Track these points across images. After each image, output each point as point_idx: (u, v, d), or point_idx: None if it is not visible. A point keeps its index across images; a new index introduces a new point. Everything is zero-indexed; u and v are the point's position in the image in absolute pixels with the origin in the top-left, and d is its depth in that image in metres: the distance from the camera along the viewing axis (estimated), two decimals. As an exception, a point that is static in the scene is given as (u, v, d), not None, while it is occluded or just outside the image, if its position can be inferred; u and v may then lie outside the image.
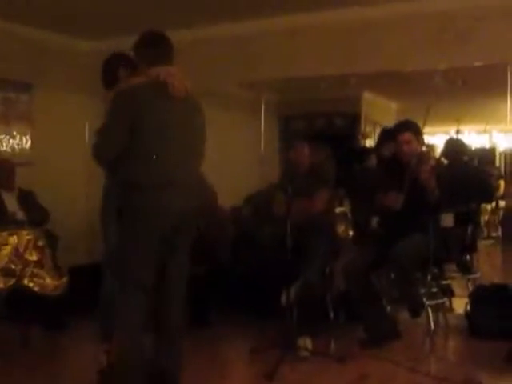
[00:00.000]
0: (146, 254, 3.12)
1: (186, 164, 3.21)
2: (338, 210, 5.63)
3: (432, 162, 4.33)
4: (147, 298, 3.12)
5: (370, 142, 8.73)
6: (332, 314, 4.68)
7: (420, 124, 4.57)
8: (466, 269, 5.33)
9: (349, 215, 6.04)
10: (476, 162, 7.87)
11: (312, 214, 4.64)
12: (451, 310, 5.21)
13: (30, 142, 6.08)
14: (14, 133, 6.04)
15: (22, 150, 6.05)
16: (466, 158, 6.28)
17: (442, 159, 5.82)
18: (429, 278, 4.54)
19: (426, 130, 4.57)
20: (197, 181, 3.34)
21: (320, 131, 8.27)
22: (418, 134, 4.49)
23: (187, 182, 3.20)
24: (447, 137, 8.55)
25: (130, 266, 3.13)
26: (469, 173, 5.69)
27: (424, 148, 4.59)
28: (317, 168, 4.79)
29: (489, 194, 6.73)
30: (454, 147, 6.08)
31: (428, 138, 8.73)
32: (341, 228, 5.64)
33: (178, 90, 3.11)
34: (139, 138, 3.05)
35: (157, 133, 3.07)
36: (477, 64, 5.43)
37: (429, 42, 5.22)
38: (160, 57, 3.17)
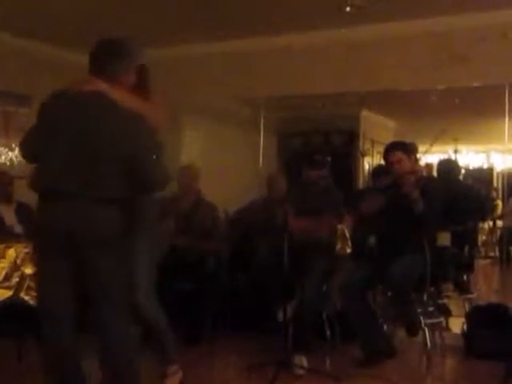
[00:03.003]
0: (44, 279, 2.91)
1: (81, 173, 2.78)
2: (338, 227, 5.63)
3: (417, 176, 4.36)
4: (60, 327, 2.87)
5: (368, 160, 8.75)
6: (328, 332, 4.66)
7: (416, 144, 4.61)
8: (462, 288, 5.33)
9: (347, 233, 6.04)
10: (470, 181, 7.90)
11: (317, 235, 4.66)
12: (448, 329, 5.19)
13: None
14: (13, 145, 6.06)
15: (21, 162, 6.05)
16: (460, 178, 6.32)
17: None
18: (425, 297, 4.54)
19: (423, 148, 4.60)
20: (112, 195, 2.83)
21: (317, 148, 8.28)
22: (410, 152, 4.53)
23: (83, 194, 2.77)
24: (445, 156, 8.60)
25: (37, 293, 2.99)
26: (462, 191, 5.72)
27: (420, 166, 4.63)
28: (328, 192, 4.82)
29: (483, 212, 6.75)
30: (448, 167, 6.11)
31: (426, 157, 8.77)
32: (339, 245, 5.63)
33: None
34: (36, 141, 2.90)
35: (44, 136, 2.85)
36: (475, 85, 5.47)
37: (427, 62, 5.27)
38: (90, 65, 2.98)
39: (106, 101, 2.81)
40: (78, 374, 2.95)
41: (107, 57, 2.92)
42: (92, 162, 2.79)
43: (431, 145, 4.57)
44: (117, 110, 2.81)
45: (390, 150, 4.57)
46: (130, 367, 2.90)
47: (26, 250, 4.34)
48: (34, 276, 4.27)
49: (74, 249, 2.78)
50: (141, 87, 3.11)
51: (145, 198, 3.17)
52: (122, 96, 2.84)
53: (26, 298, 4.32)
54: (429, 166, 7.73)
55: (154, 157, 2.94)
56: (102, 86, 2.83)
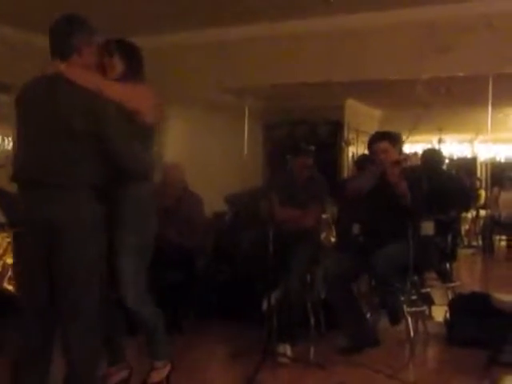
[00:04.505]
0: (24, 275, 2.90)
1: (44, 160, 2.75)
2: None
3: (399, 166, 4.38)
4: (38, 322, 2.85)
5: (352, 149, 8.77)
6: (312, 321, 4.68)
7: (401, 133, 4.62)
8: (445, 277, 5.37)
9: (331, 221, 6.07)
10: (454, 171, 7.95)
11: (302, 225, 4.67)
12: (430, 318, 5.23)
13: (11, 143, 6.04)
14: (-3, 134, 6.01)
15: (3, 151, 6.01)
16: (443, 167, 6.35)
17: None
18: (408, 285, 4.56)
19: (409, 138, 4.62)
20: (79, 181, 2.76)
21: (303, 138, 8.29)
22: (395, 142, 4.53)
23: (46, 181, 2.74)
24: (429, 146, 8.64)
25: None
26: (446, 181, 5.75)
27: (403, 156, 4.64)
28: (313, 181, 4.82)
29: (466, 202, 6.80)
30: (432, 156, 6.14)
31: (410, 147, 8.82)
32: (323, 234, 5.66)
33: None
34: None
35: (18, 129, 2.85)
36: (459, 74, 5.49)
37: (412, 52, 5.28)
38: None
39: (62, 82, 2.76)
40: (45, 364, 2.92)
41: (59, 36, 2.85)
42: (52, 147, 2.75)
43: (407, 136, 4.59)
44: (70, 89, 2.74)
45: (375, 139, 4.57)
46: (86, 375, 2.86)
47: (9, 240, 4.31)
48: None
49: (44, 238, 2.74)
50: (133, 72, 3.08)
51: (134, 191, 3.06)
52: (76, 74, 2.78)
53: (10, 287, 4.31)
54: (414, 156, 7.77)
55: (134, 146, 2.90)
56: (59, 67, 2.80)
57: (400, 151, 4.62)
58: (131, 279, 3.09)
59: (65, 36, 2.83)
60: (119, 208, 3.04)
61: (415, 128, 4.59)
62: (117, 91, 2.84)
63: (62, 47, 2.84)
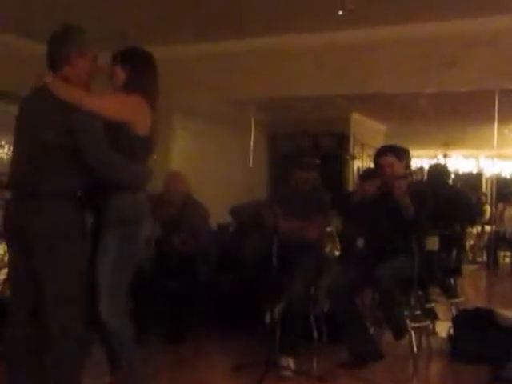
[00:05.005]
0: (11, 273, 3.01)
1: (23, 169, 2.86)
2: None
3: (407, 180, 4.38)
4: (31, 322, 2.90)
5: (358, 163, 8.77)
6: (315, 334, 4.67)
7: (409, 148, 4.64)
8: (450, 293, 5.35)
9: (335, 235, 6.06)
10: (459, 186, 7.94)
11: (305, 237, 4.67)
12: (434, 333, 5.21)
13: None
14: (3, 142, 6.04)
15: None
16: (449, 182, 6.36)
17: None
18: (412, 300, 4.55)
19: (414, 153, 4.63)
20: (55, 190, 2.80)
21: (307, 150, 8.30)
22: (401, 157, 4.54)
23: (25, 190, 2.82)
24: (435, 160, 8.65)
25: None
26: (452, 196, 5.75)
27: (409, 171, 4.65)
28: (317, 194, 4.82)
29: (472, 217, 6.78)
30: (438, 171, 6.14)
31: (416, 161, 8.82)
32: (327, 247, 5.65)
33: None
34: None
35: (14, 131, 2.94)
36: (464, 90, 5.50)
37: (416, 66, 5.30)
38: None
39: (46, 95, 2.80)
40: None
41: (51, 48, 2.92)
42: (29, 158, 2.83)
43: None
44: (50, 102, 2.79)
45: (381, 153, 4.57)
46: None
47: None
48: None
49: (21, 245, 2.84)
50: (135, 81, 3.06)
51: (116, 201, 2.98)
52: (56, 87, 2.82)
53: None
54: (420, 170, 7.78)
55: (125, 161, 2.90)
56: (46, 79, 2.85)
57: (407, 165, 4.62)
58: (105, 292, 2.97)
59: (55, 48, 2.90)
60: (101, 218, 3.01)
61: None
62: (98, 104, 2.85)
63: (52, 59, 2.90)
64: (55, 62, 2.89)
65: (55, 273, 2.79)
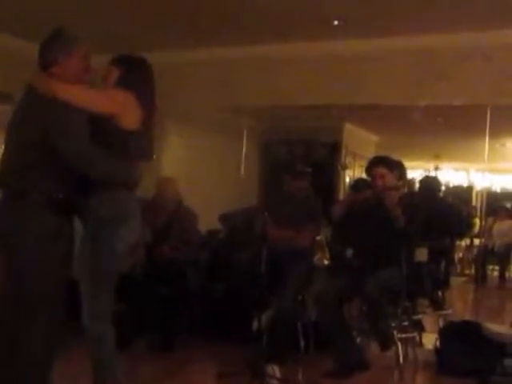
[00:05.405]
0: None
1: (6, 162, 2.91)
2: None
3: (399, 192, 4.40)
4: None
5: (349, 173, 8.79)
6: (302, 343, 4.66)
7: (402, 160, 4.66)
8: (437, 304, 5.36)
9: (325, 243, 6.06)
10: (450, 199, 7.98)
11: (296, 245, 4.67)
12: (421, 344, 5.21)
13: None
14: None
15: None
16: (440, 195, 6.39)
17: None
18: (400, 311, 4.56)
19: (406, 165, 4.65)
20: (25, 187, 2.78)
21: (299, 158, 8.32)
22: (393, 168, 4.55)
23: (1, 186, 2.88)
24: (426, 172, 8.68)
25: None
26: (443, 208, 5.77)
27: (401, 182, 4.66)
28: (308, 202, 4.83)
29: (462, 229, 6.81)
30: (429, 184, 6.17)
31: (408, 173, 8.84)
32: (317, 256, 5.65)
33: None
34: None
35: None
36: (456, 103, 5.54)
37: (410, 79, 5.33)
38: None
39: (31, 94, 2.81)
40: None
41: (40, 49, 2.96)
42: (9, 154, 2.87)
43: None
44: (32, 99, 2.81)
45: (373, 164, 4.59)
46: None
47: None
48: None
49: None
50: (127, 82, 3.04)
51: (94, 196, 2.89)
52: (35, 80, 2.84)
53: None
54: (410, 182, 7.81)
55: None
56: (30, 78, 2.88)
57: (400, 177, 4.64)
58: (86, 300, 2.89)
59: (43, 50, 2.94)
60: (79, 218, 2.95)
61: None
62: (75, 94, 2.82)
63: (41, 59, 2.94)
64: (43, 62, 2.93)
65: (14, 274, 2.78)
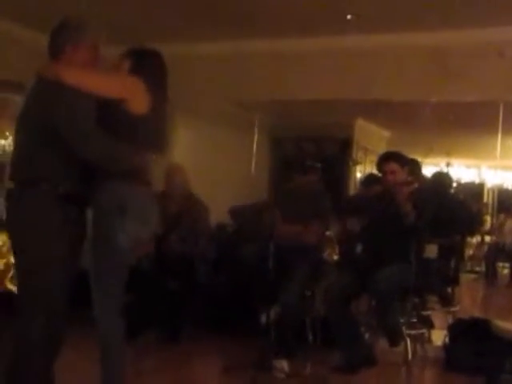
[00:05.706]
0: None
1: (13, 158, 2.90)
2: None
3: (410, 188, 4.39)
4: None
5: (360, 168, 8.78)
6: (310, 338, 4.66)
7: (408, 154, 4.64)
8: (446, 301, 5.34)
9: (334, 239, 6.06)
10: (461, 196, 7.95)
11: (304, 241, 4.67)
12: (429, 341, 5.20)
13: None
14: (7, 133, 6.04)
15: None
16: (451, 191, 6.36)
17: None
18: (409, 307, 4.55)
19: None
20: (32, 176, 2.79)
21: (310, 154, 8.31)
22: (404, 164, 4.54)
23: (12, 179, 2.87)
24: (437, 168, 8.65)
25: None
26: (454, 205, 5.75)
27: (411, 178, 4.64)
28: (318, 198, 4.83)
29: (472, 226, 6.78)
30: (441, 180, 6.14)
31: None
32: (326, 251, 5.65)
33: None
34: None
35: None
36: (468, 100, 5.51)
37: (421, 75, 5.31)
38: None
39: (40, 82, 2.80)
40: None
41: (52, 35, 2.97)
42: (17, 145, 2.89)
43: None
44: (39, 85, 2.80)
45: (384, 159, 4.57)
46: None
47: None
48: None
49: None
50: (137, 72, 3.04)
51: (100, 187, 2.86)
52: (43, 67, 2.83)
53: (11, 287, 4.31)
54: (422, 178, 7.77)
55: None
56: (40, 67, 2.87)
57: (412, 173, 4.62)
58: (94, 292, 2.89)
59: (52, 39, 2.95)
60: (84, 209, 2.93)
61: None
62: (84, 78, 2.80)
63: (50, 49, 2.95)
64: (51, 51, 2.95)
65: (26, 266, 2.80)
